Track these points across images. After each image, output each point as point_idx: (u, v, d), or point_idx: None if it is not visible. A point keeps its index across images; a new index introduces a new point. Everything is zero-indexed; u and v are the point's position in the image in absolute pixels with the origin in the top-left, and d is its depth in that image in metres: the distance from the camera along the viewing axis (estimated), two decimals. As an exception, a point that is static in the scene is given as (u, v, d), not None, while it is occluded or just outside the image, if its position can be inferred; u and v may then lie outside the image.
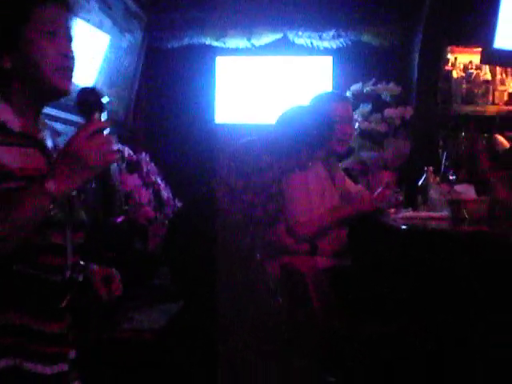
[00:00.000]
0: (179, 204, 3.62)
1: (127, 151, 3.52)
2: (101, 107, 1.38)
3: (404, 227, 2.69)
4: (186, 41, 4.35)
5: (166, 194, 3.61)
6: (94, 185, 1.42)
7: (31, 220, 1.28)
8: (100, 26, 3.60)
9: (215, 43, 4.36)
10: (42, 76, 1.38)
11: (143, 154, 3.64)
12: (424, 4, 4.04)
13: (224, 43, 4.35)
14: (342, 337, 2.65)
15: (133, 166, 3.47)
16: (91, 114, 1.35)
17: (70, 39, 1.44)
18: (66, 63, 1.41)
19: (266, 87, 4.40)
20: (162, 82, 4.48)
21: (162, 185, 3.63)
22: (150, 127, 4.52)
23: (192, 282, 3.51)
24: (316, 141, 2.87)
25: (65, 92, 1.43)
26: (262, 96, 4.40)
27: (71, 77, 1.43)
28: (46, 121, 1.56)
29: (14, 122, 1.37)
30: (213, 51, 4.40)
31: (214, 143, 4.29)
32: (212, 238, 3.08)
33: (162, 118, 4.49)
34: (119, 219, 1.41)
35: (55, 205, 1.30)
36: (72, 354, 1.50)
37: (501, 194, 2.76)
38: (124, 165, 3.39)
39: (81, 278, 1.51)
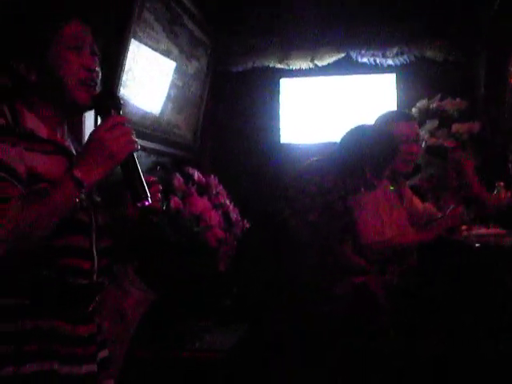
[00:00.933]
0: (247, 225, 3.67)
1: (197, 174, 3.61)
2: (118, 106, 1.45)
3: (477, 245, 2.65)
4: (250, 64, 4.43)
5: (234, 215, 3.68)
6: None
7: (62, 208, 1.33)
8: (167, 54, 3.72)
9: (279, 65, 4.43)
10: (65, 88, 1.44)
11: (212, 176, 3.72)
12: (487, 17, 4.00)
13: (288, 65, 4.41)
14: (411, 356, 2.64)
15: (202, 189, 3.55)
16: (109, 111, 1.43)
17: (94, 54, 1.49)
18: (89, 76, 1.45)
19: (330, 107, 4.43)
20: (228, 105, 4.57)
21: (231, 206, 3.70)
22: (217, 150, 4.61)
23: (259, 303, 3.54)
24: (380, 160, 2.85)
25: (85, 106, 1.48)
26: (327, 115, 4.43)
27: (92, 91, 1.47)
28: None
29: (42, 130, 1.43)
30: (277, 73, 4.47)
31: (279, 163, 4.34)
32: (279, 257, 3.10)
33: (229, 141, 4.57)
34: (146, 202, 1.43)
35: (82, 198, 1.35)
36: (102, 354, 1.53)
37: None
38: (194, 188, 3.48)
39: (107, 282, 1.54)
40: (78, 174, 1.33)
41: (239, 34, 4.41)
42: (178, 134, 4.09)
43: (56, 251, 1.38)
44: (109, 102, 1.45)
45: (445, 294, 2.79)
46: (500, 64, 3.96)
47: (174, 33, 3.74)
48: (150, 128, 3.53)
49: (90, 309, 1.48)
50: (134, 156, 1.41)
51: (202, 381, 2.84)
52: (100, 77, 1.50)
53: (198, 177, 3.62)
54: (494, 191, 3.50)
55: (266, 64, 4.43)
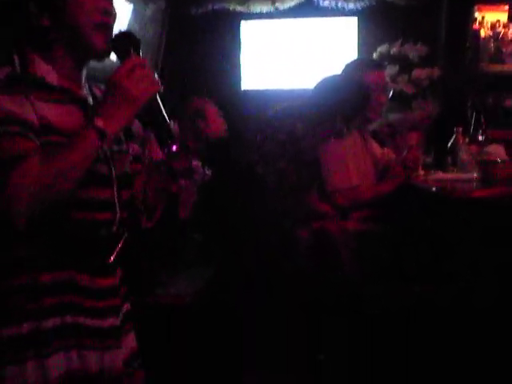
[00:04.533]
0: (208, 171, 3.64)
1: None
2: (137, 46, 1.37)
3: (434, 189, 2.69)
4: (209, 6, 4.32)
5: (194, 161, 3.63)
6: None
7: (84, 161, 1.26)
8: (124, -4, 3.61)
9: (239, 8, 4.33)
10: (81, 33, 1.35)
11: (171, 122, 3.65)
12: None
13: (248, 8, 4.32)
14: (367, 298, 2.70)
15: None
16: (128, 52, 1.34)
17: None
18: (105, 19, 1.36)
19: (292, 50, 4.38)
20: (187, 49, 4.46)
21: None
22: (175, 96, 4.51)
23: (225, 248, 3.55)
24: (351, 110, 2.86)
25: (103, 51, 1.38)
26: (288, 60, 4.39)
27: (110, 35, 1.38)
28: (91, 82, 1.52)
29: (54, 78, 1.35)
30: (237, 16, 4.38)
31: (241, 110, 4.30)
32: (245, 203, 3.11)
33: (187, 86, 4.48)
34: (174, 147, 1.39)
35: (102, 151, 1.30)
36: (125, 307, 1.51)
37: None
38: (152, 134, 3.42)
39: (126, 234, 1.48)
40: (99, 123, 1.26)
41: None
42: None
43: (75, 204, 1.32)
44: (127, 43, 1.36)
45: (405, 239, 2.85)
46: (463, 10, 3.95)
47: (130, -26, 3.62)
48: (107, 73, 3.44)
49: (111, 261, 1.43)
50: (157, 98, 1.33)
51: (169, 327, 2.85)
52: (115, 21, 1.40)
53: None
54: (452, 137, 3.55)
55: (227, 7, 4.33)
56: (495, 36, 4.02)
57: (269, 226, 2.92)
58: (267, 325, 3.09)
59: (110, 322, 1.43)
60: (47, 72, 1.35)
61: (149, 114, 1.36)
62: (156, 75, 1.34)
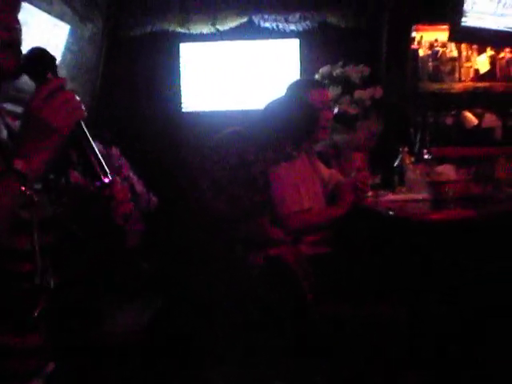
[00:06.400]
0: (154, 198, 3.53)
1: (97, 146, 3.42)
2: (53, 65, 1.22)
3: (391, 213, 2.69)
4: (148, 28, 4.22)
5: (139, 187, 3.52)
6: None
7: (7, 209, 1.11)
8: (61, 17, 3.48)
9: (179, 29, 4.24)
10: None
11: (113, 148, 3.53)
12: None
13: (188, 29, 4.23)
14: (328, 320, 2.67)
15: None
16: (44, 74, 1.19)
17: (11, 8, 1.23)
18: (6, 35, 1.21)
19: (233, 72, 4.33)
20: (126, 71, 4.34)
21: (135, 178, 3.54)
22: (116, 120, 4.38)
23: (173, 277, 3.46)
24: (300, 131, 2.85)
25: (10, 72, 1.23)
26: (229, 81, 4.33)
27: (18, 53, 1.22)
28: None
29: None
30: (177, 37, 4.30)
31: (182, 132, 4.23)
32: (195, 230, 3.02)
33: (127, 110, 4.36)
34: (106, 180, 1.25)
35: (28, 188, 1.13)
36: (50, 368, 1.34)
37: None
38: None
39: (52, 285, 1.30)
40: (19, 165, 1.11)
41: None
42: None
43: None
44: (41, 63, 1.21)
45: (359, 261, 2.84)
46: (401, 30, 4.01)
47: (66, -6, 3.50)
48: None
49: (34, 316, 1.25)
50: (82, 125, 1.20)
51: (116, 363, 2.73)
52: (21, 35, 1.25)
53: (99, 149, 3.42)
54: (398, 156, 3.59)
55: (166, 28, 4.23)
56: (434, 55, 4.09)
57: (220, 253, 2.85)
58: (220, 355, 3.00)
59: None
60: None
61: (73, 144, 1.21)
62: (77, 98, 1.19)
